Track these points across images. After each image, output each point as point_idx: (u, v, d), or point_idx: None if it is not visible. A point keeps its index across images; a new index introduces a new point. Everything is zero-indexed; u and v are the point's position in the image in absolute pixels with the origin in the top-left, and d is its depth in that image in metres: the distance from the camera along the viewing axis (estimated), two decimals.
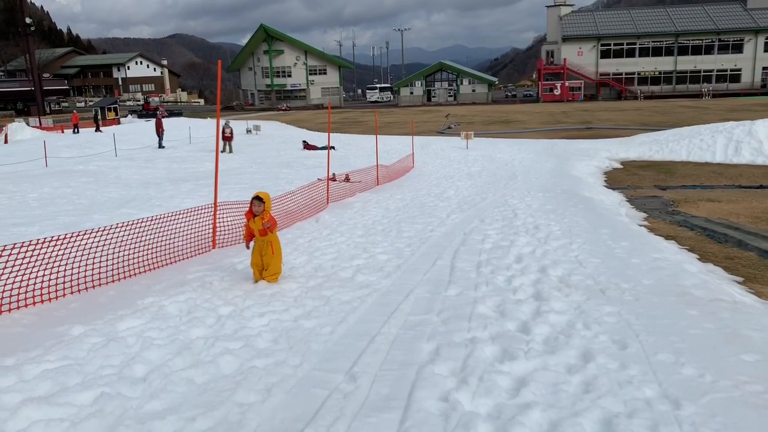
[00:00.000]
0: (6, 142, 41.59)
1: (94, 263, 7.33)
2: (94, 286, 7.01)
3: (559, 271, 7.92)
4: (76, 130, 48.81)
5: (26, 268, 6.39)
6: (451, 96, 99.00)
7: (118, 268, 7.54)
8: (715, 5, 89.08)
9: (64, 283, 6.72)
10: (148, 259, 8.05)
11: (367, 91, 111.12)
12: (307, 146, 34.02)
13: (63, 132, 48.94)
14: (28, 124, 51.34)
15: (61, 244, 6.92)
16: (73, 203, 14.81)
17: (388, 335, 5.27)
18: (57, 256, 6.87)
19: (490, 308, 6.23)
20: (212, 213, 9.69)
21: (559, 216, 13.17)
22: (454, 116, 59.09)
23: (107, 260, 7.54)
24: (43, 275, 6.56)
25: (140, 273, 7.72)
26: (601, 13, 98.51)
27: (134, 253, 8.03)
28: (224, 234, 9.93)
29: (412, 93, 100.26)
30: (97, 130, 49.59)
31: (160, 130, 34.44)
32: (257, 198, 7.12)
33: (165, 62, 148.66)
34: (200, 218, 9.69)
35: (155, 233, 8.59)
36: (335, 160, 26.56)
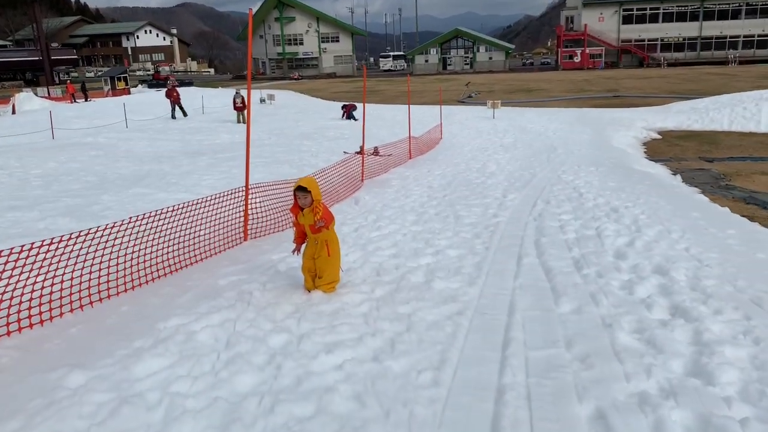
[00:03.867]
0: (14, 112, 40.08)
1: (100, 268, 5.73)
2: (101, 299, 5.43)
3: (682, 273, 6.27)
4: (73, 100, 47.28)
5: (7, 283, 4.82)
6: (467, 64, 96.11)
7: (131, 272, 5.96)
8: None
9: (60, 299, 5.12)
10: (168, 259, 6.47)
11: (381, 59, 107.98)
12: (346, 109, 32.13)
13: (77, 102, 47.25)
14: (36, 94, 49.70)
15: (57, 246, 5.30)
16: (80, 181, 13.25)
17: (517, 389, 3.68)
18: (51, 260, 5.27)
19: (631, 336, 4.62)
20: (238, 197, 8.08)
21: (631, 195, 11.50)
22: (474, 85, 56.90)
23: (117, 262, 5.95)
24: (32, 290, 5.00)
25: (159, 277, 6.15)
26: None
27: (151, 250, 6.45)
28: (256, 221, 8.34)
29: (427, 61, 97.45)
30: (86, 99, 48.08)
31: (174, 99, 32.60)
32: (301, 188, 5.51)
33: (174, 31, 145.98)
34: (225, 204, 8.09)
35: (175, 223, 6.99)
36: (355, 131, 24.88)
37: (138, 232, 6.43)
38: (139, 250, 6.32)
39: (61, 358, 4.16)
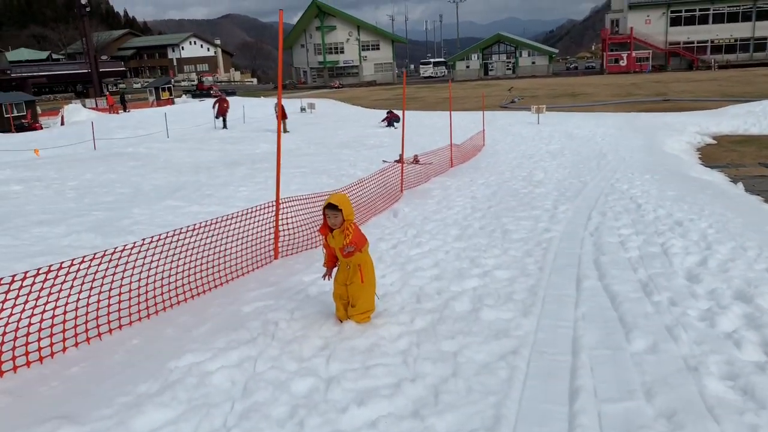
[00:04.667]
0: (62, 123, 40.90)
1: (110, 295, 5.17)
2: (110, 330, 4.90)
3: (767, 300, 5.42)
4: (113, 111, 48.17)
5: (10, 313, 4.32)
6: (509, 69, 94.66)
7: (147, 298, 5.43)
8: None
9: (64, 332, 4.61)
10: (190, 282, 5.93)
11: (421, 66, 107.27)
12: (389, 116, 31.60)
13: (118, 113, 48.03)
14: (84, 105, 50.73)
15: (67, 270, 4.79)
16: (114, 193, 12.98)
17: None
18: (62, 286, 4.77)
19: (723, 383, 3.84)
20: (270, 212, 7.54)
21: (694, 206, 10.57)
22: (517, 89, 55.73)
23: (130, 288, 5.40)
24: (31, 321, 4.48)
25: (179, 302, 5.61)
26: None
27: (172, 271, 5.93)
28: (288, 237, 7.78)
29: (468, 67, 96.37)
30: (125, 110, 48.85)
31: (222, 110, 32.22)
32: (331, 206, 4.88)
33: (218, 42, 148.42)
34: (256, 219, 7.55)
35: (201, 241, 6.46)
36: (395, 139, 24.30)
37: (160, 251, 5.92)
38: (160, 271, 5.80)
39: (54, 406, 3.62)
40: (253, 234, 7.36)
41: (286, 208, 8.13)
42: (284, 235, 7.69)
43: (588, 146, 22.08)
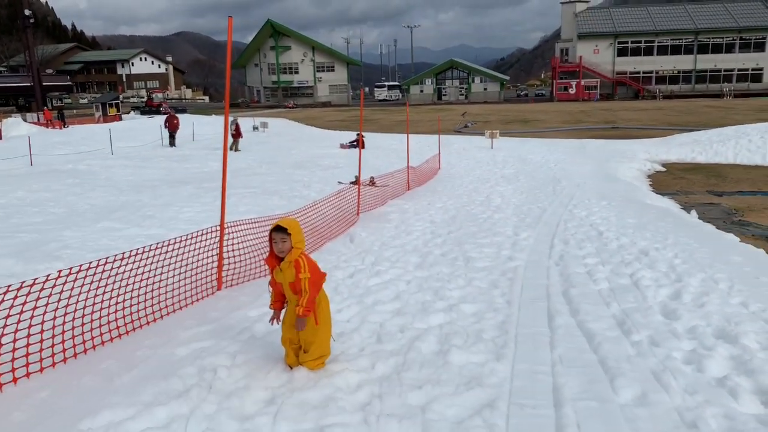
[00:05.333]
0: (0, 138, 38.83)
1: (16, 334, 4.33)
2: (15, 380, 4.12)
3: (753, 340, 5.06)
4: (52, 126, 46.58)
5: None
6: (462, 94, 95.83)
7: (64, 339, 4.66)
8: (735, 3, 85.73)
9: None
10: (116, 318, 5.18)
11: (375, 89, 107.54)
12: (344, 146, 31.18)
13: (59, 128, 46.11)
14: (25, 119, 48.49)
15: None
16: (46, 213, 11.97)
17: None
18: None
19: None
20: (214, 237, 6.85)
21: (657, 235, 10.36)
22: (470, 115, 56.21)
23: (42, 327, 4.57)
24: None
25: (103, 343, 4.86)
26: (618, 9, 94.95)
27: (96, 307, 5.17)
28: (233, 266, 7.08)
29: (422, 91, 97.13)
30: (64, 126, 47.35)
31: (172, 127, 31.14)
32: (279, 229, 4.20)
33: (170, 59, 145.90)
34: (200, 245, 6.84)
35: (134, 270, 5.73)
36: (351, 161, 23.78)
37: (87, 281, 5.17)
38: (82, 307, 5.03)
39: None
40: (194, 261, 6.64)
41: (233, 232, 7.45)
42: (229, 263, 7.00)
43: (542, 171, 22.10)
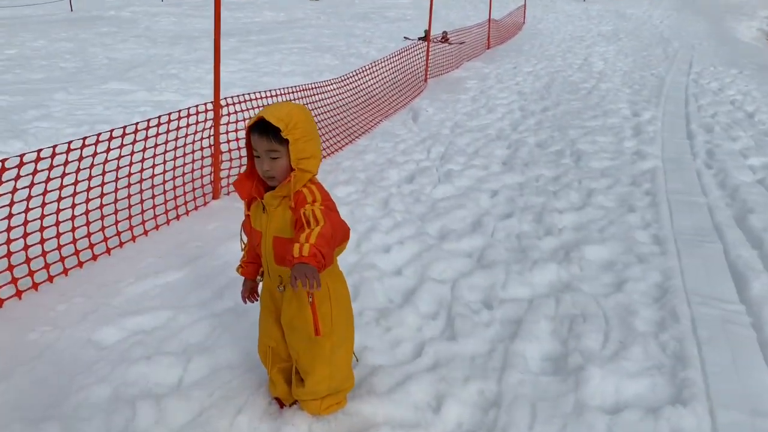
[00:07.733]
0: None
1: None
2: None
3: None
4: None
5: None
6: None
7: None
8: None
9: None
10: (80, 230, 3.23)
11: None
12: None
13: None
14: None
15: None
16: (52, 68, 10.00)
17: None
18: None
19: None
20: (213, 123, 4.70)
21: None
22: None
23: None
24: None
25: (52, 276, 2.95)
26: None
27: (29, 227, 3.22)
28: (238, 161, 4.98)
29: None
30: None
31: None
32: (264, 128, 1.93)
33: None
34: (200, 127, 4.72)
35: (95, 163, 3.70)
36: (421, 12, 20.61)
37: (20, 184, 3.19)
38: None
39: None
40: (185, 153, 4.55)
41: (243, 110, 5.27)
42: (231, 158, 4.88)
43: (646, 29, 18.80)
